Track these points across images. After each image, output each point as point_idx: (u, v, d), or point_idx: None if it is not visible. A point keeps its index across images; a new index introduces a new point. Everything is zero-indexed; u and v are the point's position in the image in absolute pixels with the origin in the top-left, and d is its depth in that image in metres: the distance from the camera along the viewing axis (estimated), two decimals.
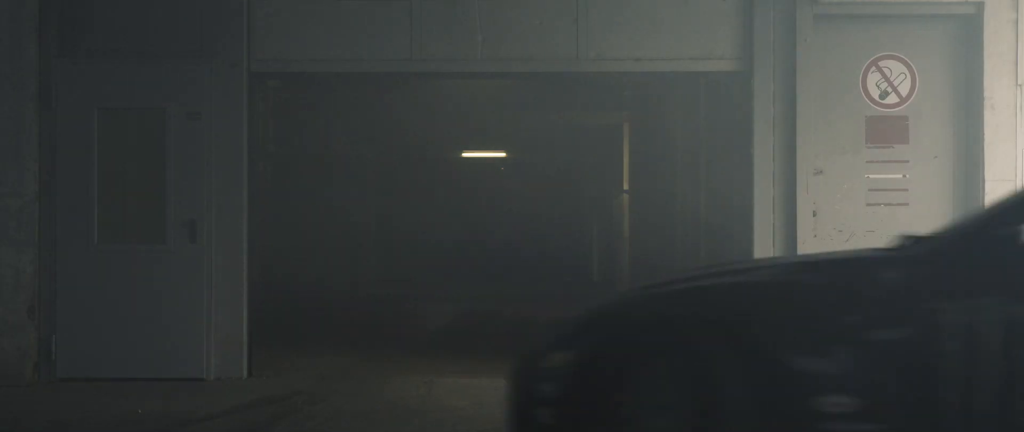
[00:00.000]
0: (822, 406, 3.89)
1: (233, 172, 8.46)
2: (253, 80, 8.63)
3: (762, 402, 4.00)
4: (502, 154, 19.12)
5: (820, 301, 4.06)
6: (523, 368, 4.57)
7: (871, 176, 8.69)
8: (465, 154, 18.81)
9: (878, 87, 8.69)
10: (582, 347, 4.39)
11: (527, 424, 4.43)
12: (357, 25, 8.56)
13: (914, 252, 4.06)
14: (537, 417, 4.40)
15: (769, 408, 4.00)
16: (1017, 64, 8.51)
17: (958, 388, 3.75)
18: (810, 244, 8.55)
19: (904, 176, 8.70)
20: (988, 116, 8.51)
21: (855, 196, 8.68)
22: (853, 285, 4.04)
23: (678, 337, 4.28)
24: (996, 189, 8.48)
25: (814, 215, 8.62)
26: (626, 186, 15.20)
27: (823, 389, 3.90)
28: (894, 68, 8.69)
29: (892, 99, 8.69)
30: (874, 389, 3.85)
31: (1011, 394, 3.66)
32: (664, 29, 8.62)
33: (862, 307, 3.95)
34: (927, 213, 8.68)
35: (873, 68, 8.68)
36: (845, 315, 3.97)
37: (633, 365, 4.29)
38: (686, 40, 8.63)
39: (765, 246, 8.58)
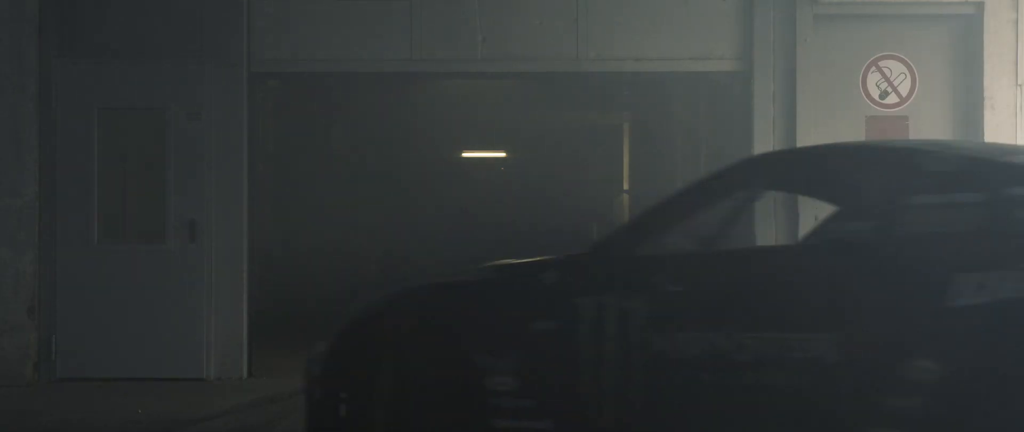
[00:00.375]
0: (494, 387, 4.66)
1: (233, 172, 8.46)
2: (253, 80, 8.62)
3: (446, 385, 4.79)
4: (502, 154, 19.10)
5: (497, 297, 4.84)
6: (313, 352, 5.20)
7: None
8: (465, 154, 18.80)
9: (878, 87, 8.69)
10: (332, 337, 5.07)
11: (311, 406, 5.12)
12: (357, 25, 8.56)
13: (568, 258, 4.80)
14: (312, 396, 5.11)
15: (451, 390, 4.78)
16: (1017, 64, 8.51)
17: (592, 365, 4.57)
18: None
19: None
20: (988, 116, 8.50)
21: None
22: (521, 284, 4.81)
23: (388, 330, 4.96)
24: None
25: (814, 216, 8.61)
26: (626, 186, 15.18)
27: (495, 372, 4.70)
28: (894, 68, 8.68)
29: (892, 99, 8.69)
30: (534, 371, 4.66)
31: (627, 366, 4.50)
32: (664, 29, 8.62)
33: (526, 303, 4.73)
34: None
35: (873, 68, 8.68)
36: (514, 310, 4.75)
37: (350, 354, 4.98)
38: (686, 40, 8.63)
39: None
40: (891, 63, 8.69)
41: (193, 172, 8.41)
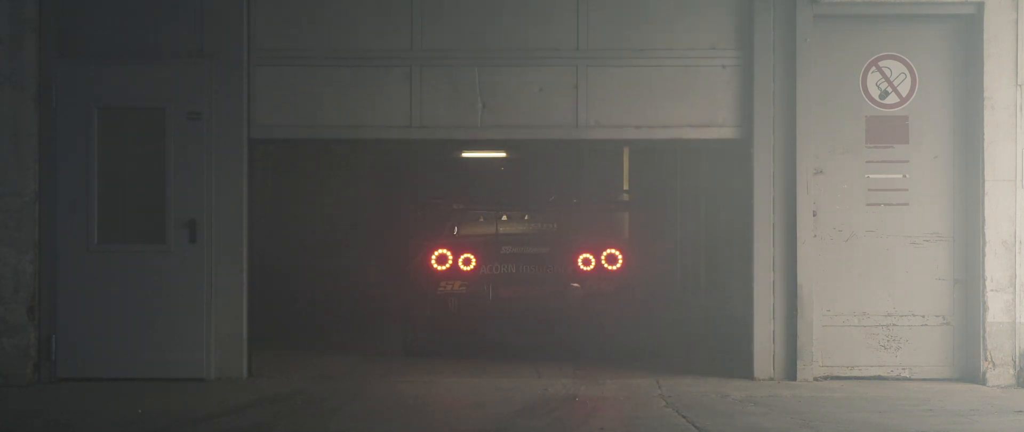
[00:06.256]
0: None
1: (233, 172, 8.46)
2: (253, 145, 8.59)
3: None
4: (502, 154, 19.08)
5: None
6: None
7: (871, 176, 8.69)
8: (465, 155, 18.76)
9: (878, 87, 8.69)
10: None
11: None
12: (358, 92, 8.58)
13: None
14: None
15: None
16: (1017, 64, 8.51)
17: None
18: (810, 244, 8.56)
19: (904, 176, 8.69)
20: (988, 116, 8.51)
21: (855, 196, 8.68)
22: None
23: None
24: (996, 189, 8.49)
25: (814, 215, 8.62)
26: (626, 187, 15.19)
27: None
28: (894, 68, 8.69)
29: (892, 99, 8.69)
30: None
31: None
32: (664, 97, 8.62)
33: None
34: (927, 213, 8.69)
35: (873, 68, 8.68)
36: None
37: None
38: (686, 108, 8.64)
39: (765, 246, 8.58)
40: (891, 63, 8.69)
41: (193, 172, 8.41)
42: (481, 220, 11.01)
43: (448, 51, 8.59)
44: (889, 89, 8.68)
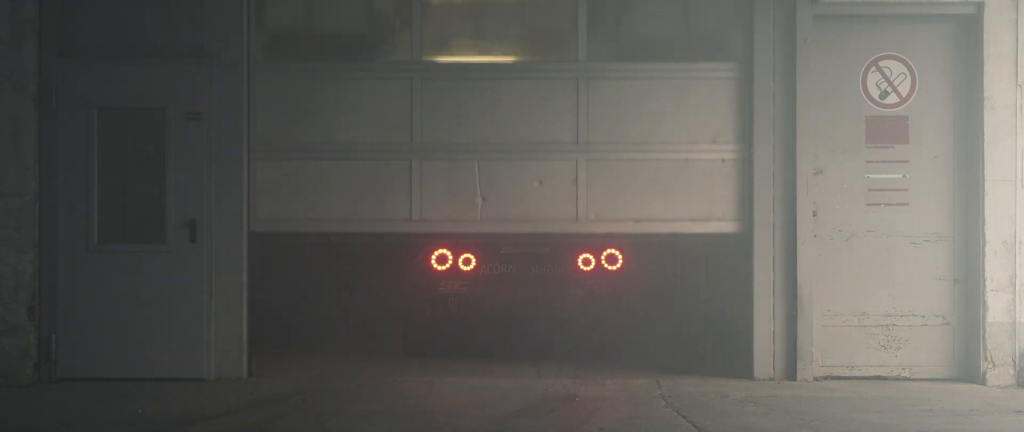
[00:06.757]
0: None
1: (233, 172, 8.46)
2: (253, 239, 8.59)
3: None
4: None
5: None
6: None
7: (871, 176, 8.69)
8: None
9: (878, 87, 8.69)
10: None
11: None
12: (359, 185, 8.60)
13: None
14: None
15: None
16: (1017, 64, 8.52)
17: None
18: (810, 244, 8.56)
19: (904, 176, 8.70)
20: (988, 116, 8.51)
21: (855, 196, 8.68)
22: None
23: None
24: (996, 189, 8.49)
25: (814, 215, 8.62)
26: None
27: None
28: (894, 68, 8.69)
29: (892, 99, 8.69)
30: None
31: None
32: (664, 190, 8.65)
33: None
34: (927, 213, 8.69)
35: (873, 68, 8.69)
36: None
37: None
38: (686, 202, 8.66)
39: (765, 246, 8.58)
40: (891, 63, 8.69)
41: (193, 172, 8.41)
42: None
43: (448, 144, 8.63)
44: (889, 89, 8.69)
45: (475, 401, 7.81)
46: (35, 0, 8.35)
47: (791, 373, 8.56)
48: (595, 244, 10.03)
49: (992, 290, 8.49)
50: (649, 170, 8.63)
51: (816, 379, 8.58)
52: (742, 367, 8.73)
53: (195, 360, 8.41)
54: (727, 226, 8.68)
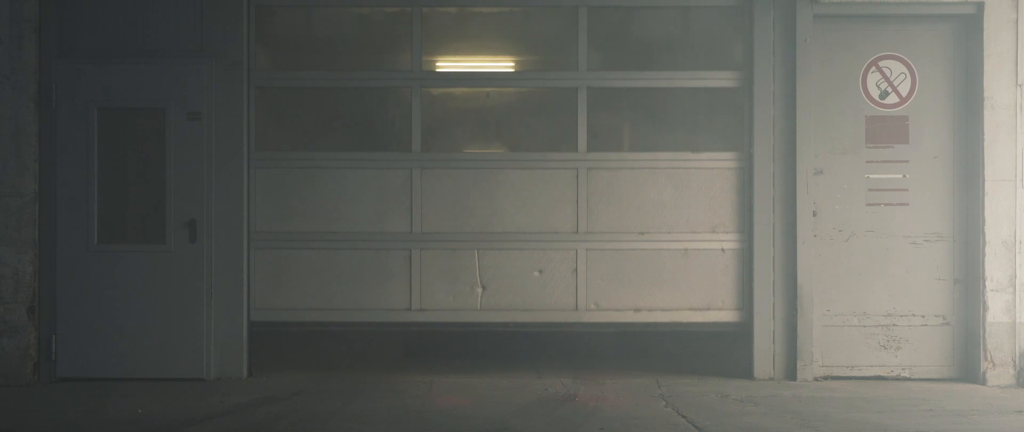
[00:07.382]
0: None
1: (233, 172, 8.47)
2: (252, 328, 8.62)
3: None
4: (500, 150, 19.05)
5: None
6: None
7: (871, 176, 8.69)
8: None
9: (878, 87, 8.69)
10: None
11: None
12: (359, 275, 8.62)
13: None
14: None
15: None
16: (1017, 64, 8.52)
17: None
18: (810, 244, 8.56)
19: (904, 176, 8.70)
20: (988, 116, 8.51)
21: (855, 196, 8.69)
22: None
23: None
24: (996, 189, 8.49)
25: (814, 215, 8.63)
26: None
27: None
28: (894, 68, 8.69)
29: (892, 99, 8.70)
30: None
31: None
32: (664, 280, 8.65)
33: None
34: (927, 213, 8.69)
35: (873, 68, 8.69)
36: None
37: None
38: (685, 292, 8.66)
39: (765, 246, 8.58)
40: (891, 63, 8.69)
41: (193, 172, 8.42)
42: None
43: (447, 234, 8.64)
44: (889, 89, 8.69)
45: (475, 401, 7.81)
46: (35, 0, 8.36)
47: (791, 373, 8.56)
48: None
49: (992, 290, 8.50)
50: (650, 259, 8.68)
51: (816, 379, 8.59)
52: (742, 367, 8.74)
53: (195, 360, 8.42)
54: (727, 315, 8.69)
